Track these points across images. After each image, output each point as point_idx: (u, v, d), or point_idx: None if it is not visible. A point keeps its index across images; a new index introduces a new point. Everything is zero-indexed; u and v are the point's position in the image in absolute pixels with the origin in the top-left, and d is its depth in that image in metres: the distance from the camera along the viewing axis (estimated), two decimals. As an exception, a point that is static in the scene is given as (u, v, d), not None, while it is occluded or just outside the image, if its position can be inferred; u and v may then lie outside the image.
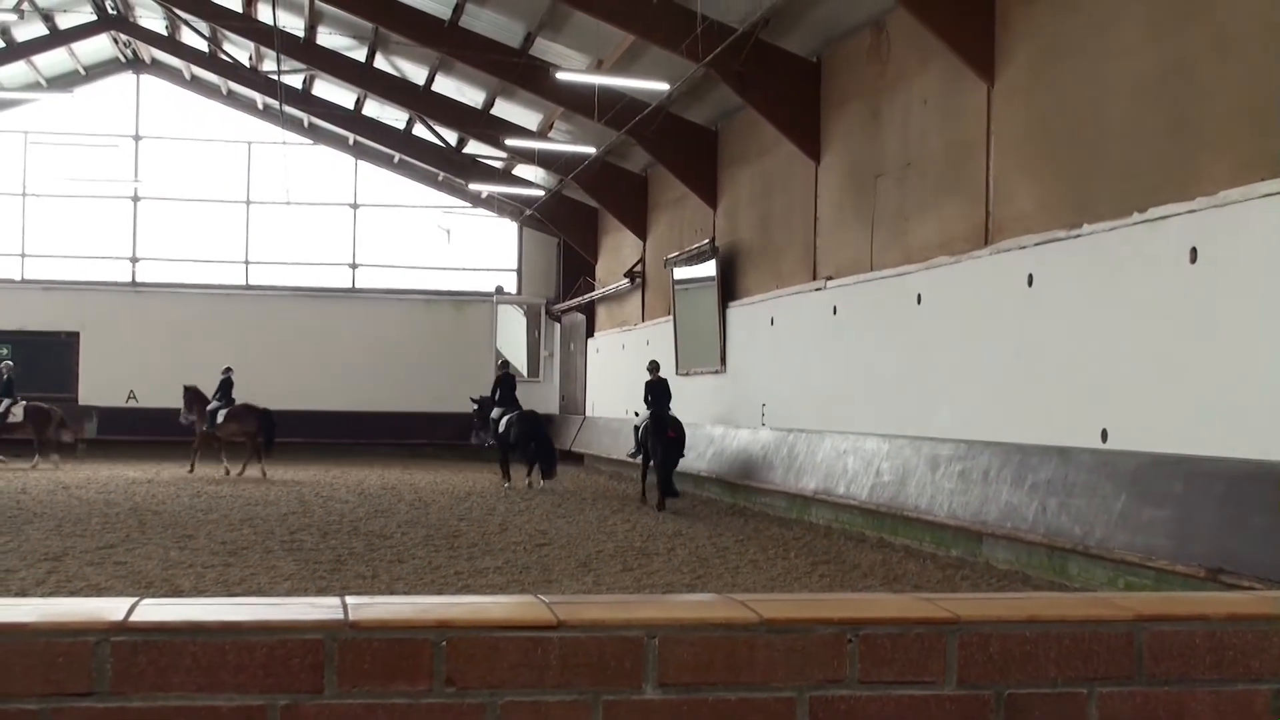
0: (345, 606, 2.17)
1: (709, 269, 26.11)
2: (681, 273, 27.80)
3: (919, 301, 17.74)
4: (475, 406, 31.35)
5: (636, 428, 24.09)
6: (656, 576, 13.53)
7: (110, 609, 2.12)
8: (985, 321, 16.00)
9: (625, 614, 2.18)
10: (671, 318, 28.47)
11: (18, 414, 30.15)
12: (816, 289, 21.25)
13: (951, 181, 17.32)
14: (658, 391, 23.65)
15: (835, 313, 20.51)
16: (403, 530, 17.48)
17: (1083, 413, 13.89)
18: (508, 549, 15.60)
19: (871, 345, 19.17)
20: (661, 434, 22.45)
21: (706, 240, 26.31)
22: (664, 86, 22.97)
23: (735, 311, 25.19)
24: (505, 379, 28.68)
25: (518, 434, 26.68)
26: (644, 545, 16.31)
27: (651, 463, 22.94)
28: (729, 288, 25.49)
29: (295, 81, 33.95)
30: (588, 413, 36.14)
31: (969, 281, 16.42)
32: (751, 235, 24.73)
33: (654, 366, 24.37)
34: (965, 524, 15.24)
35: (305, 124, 37.71)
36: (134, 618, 2.07)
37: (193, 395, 30.05)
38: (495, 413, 28.07)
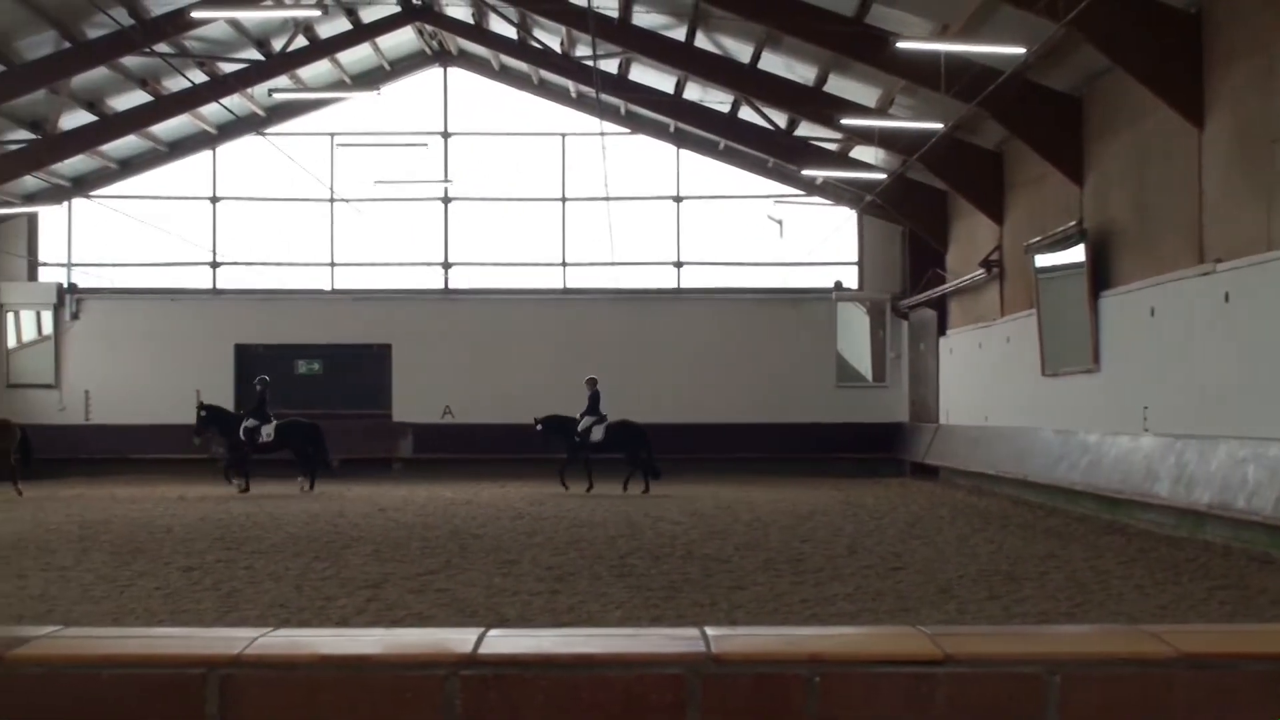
0: (706, 638, 2.17)
1: (1077, 255, 25.52)
2: (1045, 260, 27.25)
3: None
4: (540, 428, 31.95)
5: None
6: (1028, 604, 13.29)
7: (457, 640, 2.17)
8: None
9: (1022, 647, 2.13)
10: (1035, 311, 27.90)
11: (269, 434, 31.25)
12: (1204, 274, 20.55)
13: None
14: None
15: (1227, 300, 19.79)
16: (740, 554, 17.61)
17: None
18: (858, 573, 15.56)
19: (1273, 336, 18.38)
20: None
21: (1073, 222, 25.74)
22: (1019, 50, 22.56)
23: (1108, 302, 24.54)
24: (596, 395, 31.75)
25: (619, 442, 30.74)
26: (1011, 569, 16.05)
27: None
28: (1100, 275, 24.86)
29: (611, 66, 34.57)
30: (942, 420, 35.68)
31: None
32: (1125, 215, 24.07)
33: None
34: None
35: (622, 112, 38.38)
36: (483, 650, 2.12)
37: (211, 415, 31.23)
38: (585, 423, 31.20)
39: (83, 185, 39.22)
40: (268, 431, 30.77)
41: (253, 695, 2.17)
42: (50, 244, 40.10)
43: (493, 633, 2.21)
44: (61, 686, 2.25)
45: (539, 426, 31.78)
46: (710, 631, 2.20)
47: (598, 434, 31.16)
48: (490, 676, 2.08)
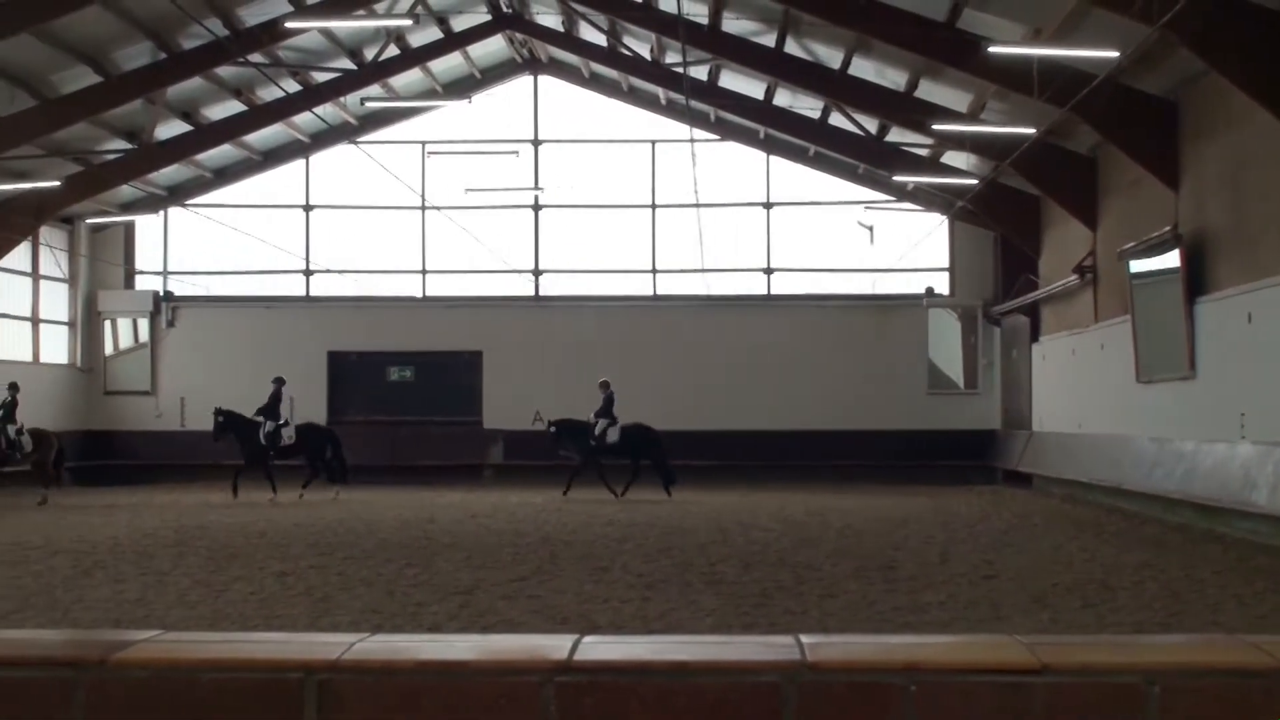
0: (801, 646, 2.17)
1: (1172, 260, 25.25)
2: (1139, 266, 26.98)
3: None
4: (553, 430, 32.30)
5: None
6: (1123, 614, 13.17)
7: (553, 647, 2.19)
8: None
9: (1120, 657, 2.11)
10: (1129, 317, 27.62)
11: (290, 436, 31.50)
12: (1303, 278, 20.25)
13: None
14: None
15: (1326, 306, 19.50)
16: (832, 561, 17.56)
17: None
18: (950, 582, 15.47)
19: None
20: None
21: (1168, 228, 25.45)
22: (1113, 54, 22.37)
23: (1205, 308, 24.25)
24: (610, 397, 32.21)
25: (633, 446, 31.47)
26: (1106, 578, 15.90)
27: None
28: (1196, 281, 24.56)
29: (700, 73, 34.59)
30: (1035, 427, 35.38)
31: None
32: (1221, 220, 23.79)
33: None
34: None
35: (712, 118, 38.39)
36: (578, 656, 2.13)
37: (229, 421, 31.26)
38: (600, 425, 31.67)
39: (178, 194, 39.74)
40: (289, 434, 31.07)
41: (351, 700, 2.19)
42: (147, 252, 40.64)
43: (587, 639, 2.22)
44: (163, 689, 2.28)
45: (552, 429, 32.18)
46: (805, 639, 2.20)
47: (613, 436, 31.69)
48: (585, 683, 2.09)
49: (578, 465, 31.78)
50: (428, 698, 2.15)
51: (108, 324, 40.30)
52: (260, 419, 31.31)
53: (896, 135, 34.81)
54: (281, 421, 31.39)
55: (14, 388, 29.42)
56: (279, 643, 2.43)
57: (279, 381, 31.99)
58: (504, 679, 2.12)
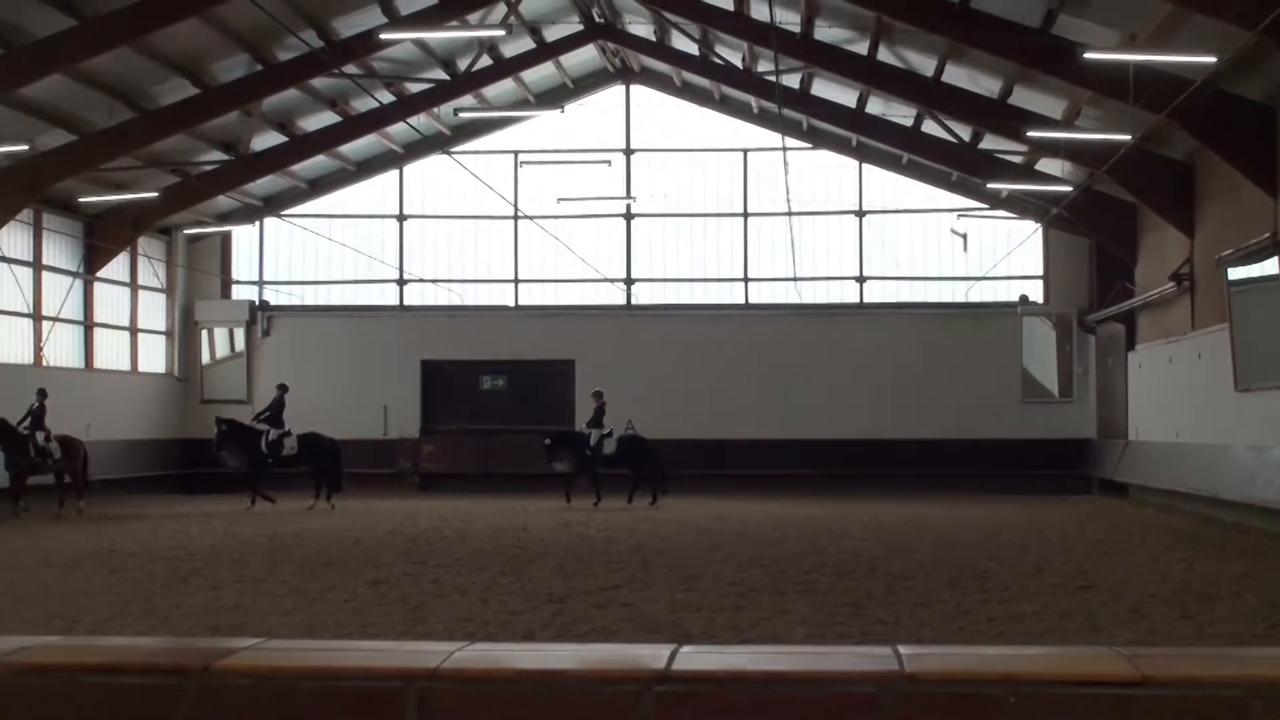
0: (899, 656, 2.16)
1: (1271, 267, 24.92)
2: (1238, 273, 26.65)
3: None
4: (548, 441, 32.61)
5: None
6: (1221, 625, 13.02)
7: (650, 656, 2.19)
8: None
9: (1223, 670, 2.09)
10: (1228, 325, 27.27)
11: (292, 446, 31.38)
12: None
13: None
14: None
15: None
16: (925, 571, 17.47)
17: None
18: (1045, 592, 15.35)
19: None
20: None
21: (1267, 234, 25.11)
22: (1210, 59, 22.10)
23: (1305, 315, 23.91)
24: (602, 408, 32.33)
25: (627, 455, 31.90)
26: (1204, 589, 15.71)
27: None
28: (1296, 288, 24.21)
29: (793, 81, 34.52)
30: (1130, 436, 35.02)
31: None
32: (1322, 226, 23.43)
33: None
34: None
35: (804, 126, 38.33)
36: (676, 666, 2.13)
37: (232, 430, 31.08)
38: (595, 437, 32.00)
39: (274, 204, 40.17)
40: (291, 444, 31.03)
41: (450, 708, 2.21)
42: (242, 262, 41.14)
43: (685, 649, 2.23)
44: (266, 697, 2.31)
45: (547, 441, 32.49)
46: (903, 650, 2.19)
47: (609, 447, 31.98)
48: (683, 693, 2.10)
49: (572, 475, 32.34)
50: (526, 707, 2.16)
51: (204, 333, 40.79)
52: (264, 428, 31.27)
53: (990, 142, 34.61)
54: (285, 430, 31.36)
55: (42, 394, 29.13)
56: (379, 651, 2.46)
57: (282, 388, 32.01)
58: (602, 688, 2.12)
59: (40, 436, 28.60)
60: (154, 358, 39.60)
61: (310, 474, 31.60)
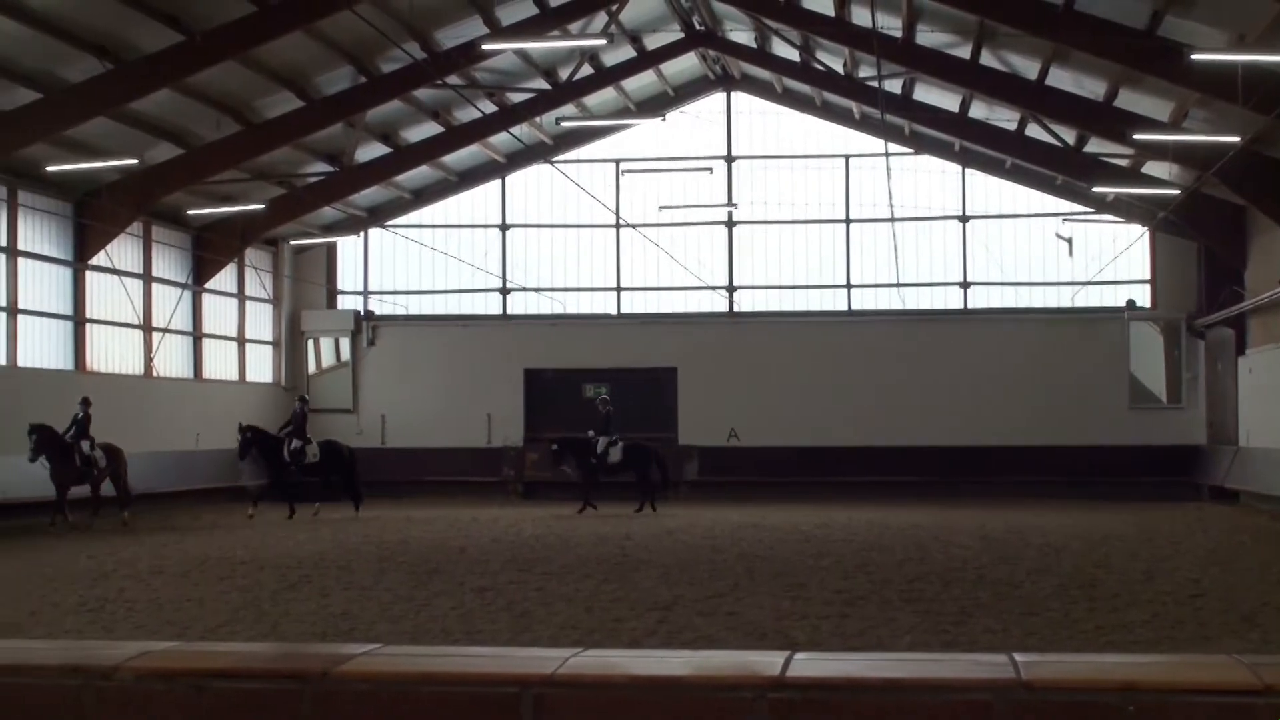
0: (1015, 664, 2.15)
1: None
2: (1351, 276, 26.19)
3: None
4: (555, 448, 32.55)
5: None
6: (1336, 633, 12.78)
7: (764, 663, 2.20)
8: None
9: (1348, 678, 2.07)
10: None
11: (314, 454, 31.14)
12: None
13: None
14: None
15: None
16: (1032, 579, 17.32)
17: None
18: (1155, 600, 15.19)
19: None
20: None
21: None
22: (1322, 59, 21.74)
23: None
24: (608, 416, 32.64)
25: (633, 462, 32.10)
26: (1318, 597, 15.43)
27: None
28: None
29: (895, 86, 34.35)
30: (1241, 442, 34.51)
31: None
32: None
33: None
34: None
35: (906, 132, 38.14)
36: (790, 673, 2.14)
37: (255, 438, 30.49)
38: (602, 444, 32.05)
39: (378, 215, 40.55)
40: (313, 452, 30.90)
41: (565, 713, 2.23)
42: (347, 272, 41.54)
43: (800, 656, 2.23)
44: (383, 702, 2.35)
45: (554, 447, 32.52)
46: (1019, 658, 2.18)
47: (615, 455, 32.12)
48: (798, 700, 2.10)
49: (580, 482, 32.35)
50: (641, 712, 2.18)
51: (310, 343, 41.22)
52: (286, 437, 31.09)
53: (1095, 145, 34.27)
54: (307, 439, 31.24)
55: (86, 402, 28.40)
56: (494, 657, 2.48)
57: (303, 401, 32.11)
58: (717, 695, 2.14)
59: (85, 445, 28.06)
60: (261, 367, 40.10)
61: (325, 484, 31.48)
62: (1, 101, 27.08)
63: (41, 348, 31.45)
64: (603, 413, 32.68)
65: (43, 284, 31.57)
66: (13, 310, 30.27)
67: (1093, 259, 38.56)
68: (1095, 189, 34.98)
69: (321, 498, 31.11)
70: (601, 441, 32.17)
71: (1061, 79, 30.77)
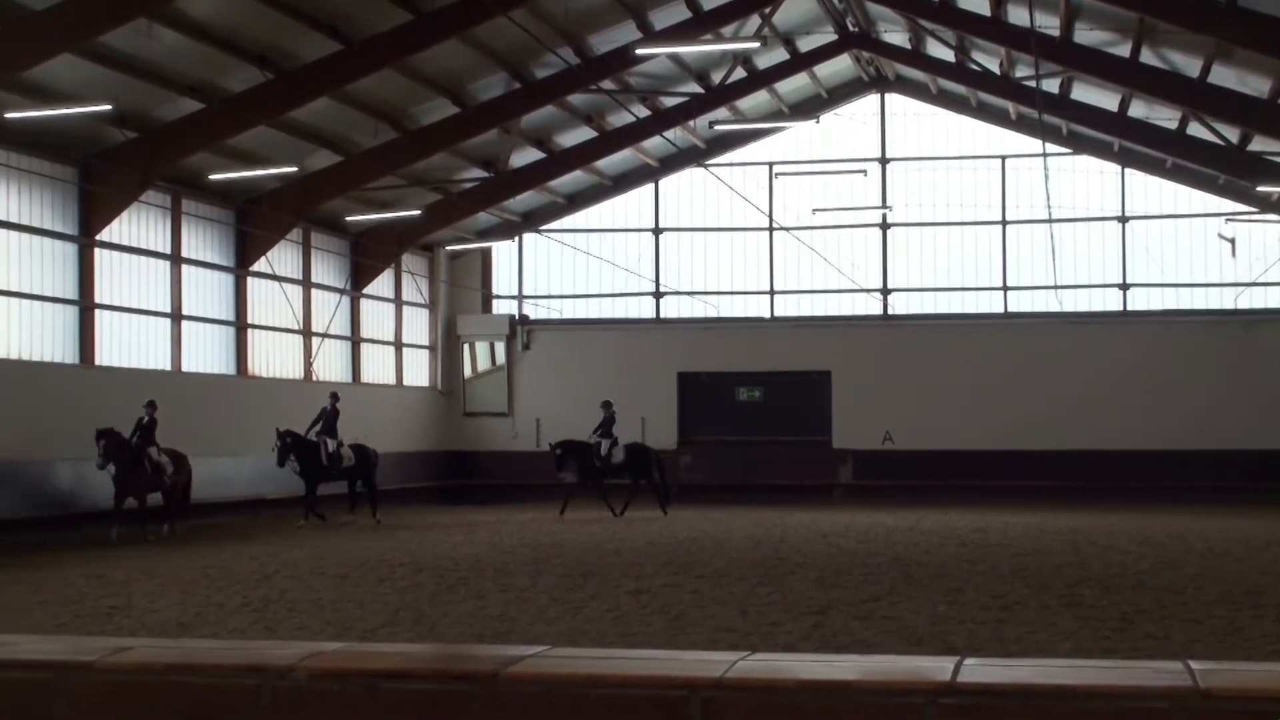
0: (1192, 672, 2.12)
1: None
2: None
3: None
4: (558, 451, 32.29)
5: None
6: None
7: (934, 669, 2.19)
8: None
9: None
10: None
11: (350, 456, 30.47)
12: None
13: None
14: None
15: None
16: (1195, 585, 17.00)
17: None
18: (1323, 608, 14.78)
19: None
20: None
21: None
22: None
23: None
24: (611, 417, 32.74)
25: (632, 464, 32.38)
26: None
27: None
28: None
29: (1052, 86, 33.94)
30: None
31: None
32: None
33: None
34: None
35: (1064, 132, 37.67)
36: (961, 678, 2.13)
37: (292, 443, 29.34)
38: (604, 446, 32.15)
39: (532, 220, 40.86)
40: (348, 454, 30.37)
41: (734, 717, 2.24)
42: (502, 277, 41.92)
43: (970, 661, 2.22)
44: (554, 704, 2.37)
45: (556, 450, 32.38)
46: (1196, 665, 2.15)
47: (618, 456, 32.24)
48: (969, 705, 2.09)
49: (576, 485, 32.35)
50: (809, 716, 2.18)
51: (466, 347, 41.62)
52: (322, 440, 29.99)
53: (1259, 144, 33.61)
54: (340, 441, 30.41)
55: (152, 406, 26.54)
56: (663, 660, 2.50)
57: (334, 397, 30.84)
58: (886, 700, 2.13)
59: (153, 451, 26.42)
60: (418, 371, 40.61)
61: (351, 488, 31.09)
62: (165, 112, 27.74)
63: (204, 353, 32.13)
64: (605, 415, 32.84)
65: (206, 290, 32.27)
66: (177, 316, 30.96)
67: (1257, 259, 37.81)
68: (1259, 188, 34.34)
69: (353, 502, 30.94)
70: (604, 444, 32.34)
71: (1224, 76, 30.21)
